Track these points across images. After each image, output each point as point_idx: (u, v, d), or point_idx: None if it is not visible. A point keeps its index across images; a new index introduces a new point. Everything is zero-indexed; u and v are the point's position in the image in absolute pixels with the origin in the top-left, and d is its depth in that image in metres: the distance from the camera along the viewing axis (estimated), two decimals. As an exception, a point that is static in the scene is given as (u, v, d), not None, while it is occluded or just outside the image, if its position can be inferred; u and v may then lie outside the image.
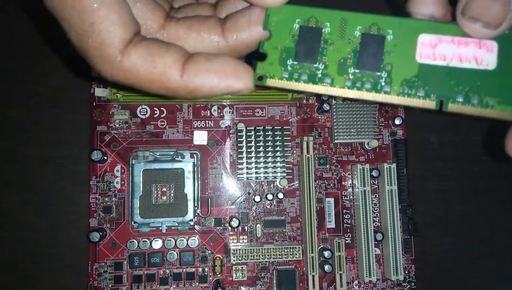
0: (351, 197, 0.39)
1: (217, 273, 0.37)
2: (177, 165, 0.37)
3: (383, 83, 0.15)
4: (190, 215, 0.37)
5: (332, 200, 0.39)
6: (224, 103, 0.39)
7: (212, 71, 0.17)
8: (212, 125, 0.39)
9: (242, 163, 0.38)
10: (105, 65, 0.17)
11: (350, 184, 0.39)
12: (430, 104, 0.15)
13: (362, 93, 0.16)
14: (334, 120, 0.39)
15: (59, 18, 0.17)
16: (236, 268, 0.37)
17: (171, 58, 0.17)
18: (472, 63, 0.15)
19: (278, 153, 0.38)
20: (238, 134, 0.38)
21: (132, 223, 0.37)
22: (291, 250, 0.37)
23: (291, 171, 0.39)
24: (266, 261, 0.38)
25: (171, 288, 0.37)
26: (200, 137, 0.39)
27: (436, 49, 0.15)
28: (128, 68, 0.17)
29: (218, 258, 0.37)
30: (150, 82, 0.18)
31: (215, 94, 0.18)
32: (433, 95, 0.15)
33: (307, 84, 0.16)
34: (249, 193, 0.39)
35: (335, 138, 0.39)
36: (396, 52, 0.15)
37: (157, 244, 0.37)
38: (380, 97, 0.16)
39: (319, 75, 0.16)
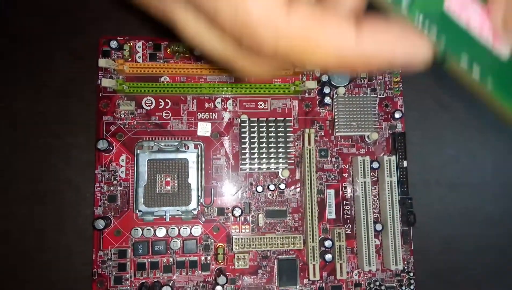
0: (351, 191, 0.40)
1: (220, 262, 0.38)
2: (181, 156, 0.38)
3: (404, 2, 0.14)
4: (193, 204, 0.38)
5: (332, 191, 0.40)
6: (228, 96, 0.40)
7: (393, 33, 0.14)
8: (216, 117, 0.40)
9: (245, 154, 0.38)
10: (269, 33, 0.14)
11: (350, 181, 0.40)
12: (435, 48, 0.15)
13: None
14: (335, 114, 0.40)
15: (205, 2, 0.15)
16: (238, 256, 0.38)
17: (344, 16, 0.14)
18: (489, 42, 0.15)
19: (280, 145, 0.38)
20: (241, 125, 0.39)
21: (137, 212, 0.37)
22: (292, 239, 0.38)
23: (292, 162, 0.39)
24: (267, 250, 0.38)
25: (174, 276, 0.38)
26: (204, 129, 0.39)
27: (464, 8, 0.15)
28: (297, 29, 0.14)
29: (220, 246, 0.38)
30: (321, 47, 0.14)
31: (391, 62, 0.15)
32: (442, 42, 0.14)
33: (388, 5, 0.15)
34: (251, 184, 0.39)
35: (336, 131, 0.40)
36: None
37: (161, 233, 0.37)
38: (394, 9, 0.15)
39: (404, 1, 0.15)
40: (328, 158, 0.40)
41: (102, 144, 0.37)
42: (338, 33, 0.14)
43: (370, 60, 0.15)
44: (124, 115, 0.39)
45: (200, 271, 0.38)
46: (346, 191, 0.40)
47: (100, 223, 0.36)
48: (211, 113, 0.40)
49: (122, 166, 0.38)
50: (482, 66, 0.15)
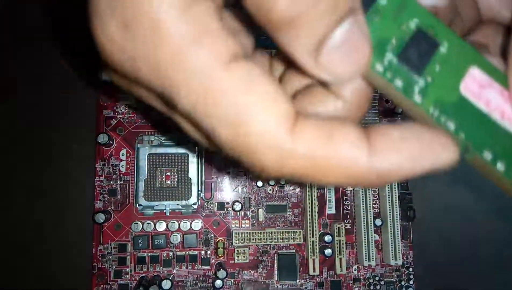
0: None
1: (220, 256, 0.38)
2: (181, 150, 0.38)
3: (416, 90, 0.13)
4: (193, 198, 0.38)
5: (332, 186, 0.40)
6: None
7: (410, 143, 0.13)
8: (216, 112, 0.40)
9: (245, 149, 0.38)
10: (272, 157, 0.13)
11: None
12: (454, 142, 0.13)
13: (388, 86, 0.13)
14: (336, 109, 0.40)
15: (200, 116, 0.13)
16: (238, 251, 0.38)
17: (353, 133, 0.13)
18: None
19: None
20: (242, 120, 0.39)
21: (137, 206, 0.37)
22: (292, 234, 0.38)
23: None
24: (267, 245, 0.38)
25: (174, 270, 0.38)
26: (204, 123, 0.39)
27: (483, 91, 0.13)
28: (304, 153, 0.12)
29: (220, 241, 0.38)
30: (330, 170, 0.13)
31: (412, 176, 0.13)
32: (462, 134, 0.13)
33: (397, 93, 0.13)
34: (251, 178, 0.39)
35: (336, 126, 0.40)
36: (442, 68, 0.13)
37: (161, 227, 0.37)
38: (405, 103, 0.13)
39: (416, 90, 0.13)
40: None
41: (102, 138, 0.37)
42: (349, 154, 0.12)
43: (386, 176, 0.13)
44: (125, 109, 0.39)
45: (200, 265, 0.38)
46: (346, 187, 0.40)
47: (100, 217, 0.36)
48: (211, 108, 0.40)
49: (122, 160, 0.38)
50: (507, 155, 0.13)
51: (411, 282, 0.39)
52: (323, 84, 0.15)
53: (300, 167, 0.13)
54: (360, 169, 0.12)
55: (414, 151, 0.12)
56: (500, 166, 0.13)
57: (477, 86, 0.13)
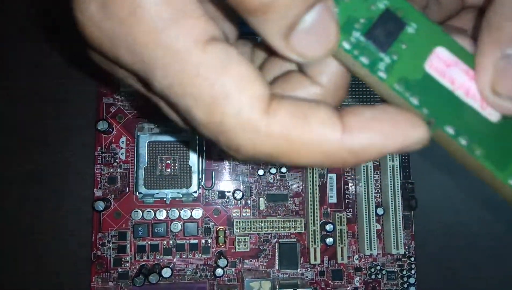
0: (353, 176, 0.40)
1: (220, 244, 0.37)
2: (182, 138, 0.38)
3: (381, 67, 0.14)
4: (194, 187, 0.37)
5: (334, 176, 0.40)
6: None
7: (382, 121, 0.13)
8: (217, 100, 0.39)
9: (246, 137, 0.38)
10: (247, 136, 0.13)
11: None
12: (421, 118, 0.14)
13: (354, 63, 0.14)
14: (338, 97, 0.40)
15: (176, 97, 0.13)
16: (238, 239, 0.37)
17: (327, 112, 0.13)
18: (477, 104, 0.14)
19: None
20: (243, 108, 0.38)
21: (137, 194, 0.37)
22: (293, 223, 0.38)
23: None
24: (268, 233, 0.38)
25: (175, 258, 0.37)
26: (205, 111, 0.39)
27: (448, 69, 0.14)
28: (278, 132, 0.13)
29: (221, 229, 0.38)
30: (304, 149, 0.13)
31: (384, 154, 0.13)
32: (425, 110, 0.13)
33: (363, 69, 0.14)
34: (252, 167, 0.39)
35: (338, 115, 0.39)
36: (409, 47, 0.14)
37: (161, 215, 0.37)
38: (370, 79, 0.14)
39: (381, 67, 0.14)
40: (330, 142, 0.40)
41: (102, 125, 0.37)
42: (323, 133, 0.13)
43: (359, 154, 0.13)
44: (125, 96, 0.38)
45: (200, 254, 0.37)
46: (348, 176, 0.40)
47: (100, 205, 0.36)
48: (212, 96, 0.39)
49: (122, 148, 0.38)
50: (470, 131, 0.13)
51: (413, 271, 0.39)
52: (301, 71, 0.16)
53: (275, 147, 0.13)
54: (334, 147, 0.13)
55: (385, 129, 0.13)
56: (462, 141, 0.13)
57: (443, 65, 0.14)
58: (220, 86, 0.12)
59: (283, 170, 0.39)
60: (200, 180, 0.38)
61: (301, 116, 0.13)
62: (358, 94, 0.40)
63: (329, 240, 0.37)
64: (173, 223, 0.37)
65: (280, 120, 0.13)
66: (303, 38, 0.13)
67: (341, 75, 0.15)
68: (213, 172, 0.38)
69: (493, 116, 0.14)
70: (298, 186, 0.39)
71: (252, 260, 0.38)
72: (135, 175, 0.37)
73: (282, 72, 0.16)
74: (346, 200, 0.39)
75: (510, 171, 0.13)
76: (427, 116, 0.13)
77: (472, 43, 0.15)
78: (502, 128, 0.14)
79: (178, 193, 0.37)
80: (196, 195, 0.37)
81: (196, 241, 0.38)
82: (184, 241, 0.37)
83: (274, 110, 0.13)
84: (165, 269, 0.36)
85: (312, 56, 0.14)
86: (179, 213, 0.37)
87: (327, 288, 0.38)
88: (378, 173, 0.39)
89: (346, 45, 0.14)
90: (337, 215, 0.38)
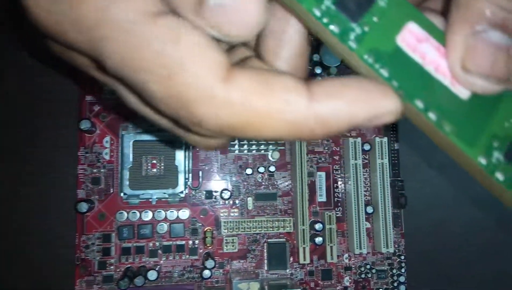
0: (342, 174, 0.39)
1: (208, 245, 0.37)
2: (167, 137, 0.37)
3: (351, 37, 0.13)
4: (180, 187, 0.37)
5: (323, 174, 0.39)
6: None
7: (350, 89, 0.13)
8: (204, 98, 0.38)
9: (233, 135, 0.37)
10: (207, 107, 0.12)
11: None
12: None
13: (324, 30, 0.14)
14: (326, 95, 0.39)
15: (130, 74, 0.13)
16: (226, 240, 0.37)
17: (291, 80, 0.13)
18: (447, 80, 0.14)
19: (270, 126, 0.37)
20: (230, 105, 0.37)
21: (122, 195, 0.36)
22: (282, 222, 0.37)
23: (282, 144, 0.38)
24: (257, 234, 0.37)
25: (161, 260, 0.36)
26: (191, 109, 0.38)
27: (419, 44, 0.14)
28: (239, 101, 0.12)
29: (208, 230, 0.37)
30: (268, 117, 0.12)
31: (355, 123, 0.13)
32: (395, 82, 0.13)
33: (333, 37, 0.14)
34: (240, 166, 0.38)
35: (327, 112, 0.39)
36: (380, 20, 0.14)
37: (146, 216, 0.36)
38: (340, 48, 0.14)
39: (351, 36, 0.14)
40: (319, 141, 0.39)
41: (85, 125, 0.36)
42: (288, 100, 0.12)
43: (328, 124, 0.13)
44: (108, 95, 0.37)
45: (187, 256, 0.37)
46: (337, 174, 0.39)
47: (83, 206, 0.35)
48: (198, 94, 0.38)
49: (106, 147, 0.37)
50: (440, 107, 0.13)
51: (403, 270, 0.38)
52: (259, 56, 0.15)
53: (237, 117, 0.12)
54: (300, 115, 0.12)
55: (354, 97, 0.13)
56: (432, 115, 0.13)
57: (414, 39, 0.14)
58: (173, 56, 0.12)
59: (272, 169, 0.38)
60: (186, 180, 0.37)
61: (263, 83, 0.12)
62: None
63: (319, 240, 0.37)
64: (159, 224, 0.36)
65: (240, 87, 0.12)
66: (218, 14, 0.12)
67: (299, 57, 0.15)
68: (200, 172, 0.38)
69: (463, 93, 0.14)
70: (287, 185, 0.38)
71: (241, 261, 0.37)
72: (119, 176, 0.36)
73: (239, 58, 0.16)
74: (336, 198, 0.39)
75: (479, 148, 0.13)
76: (396, 88, 0.13)
77: (443, 21, 0.15)
78: (471, 105, 0.14)
79: (164, 193, 0.36)
80: (182, 195, 0.37)
81: (183, 242, 0.37)
82: (171, 242, 0.37)
83: (234, 78, 0.12)
84: (151, 271, 0.35)
85: (234, 35, 0.13)
86: (165, 214, 0.36)
87: (317, 288, 0.38)
88: (368, 171, 0.39)
89: (317, 12, 0.13)
90: (327, 214, 0.37)
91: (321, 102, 0.12)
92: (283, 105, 0.12)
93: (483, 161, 0.14)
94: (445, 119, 0.13)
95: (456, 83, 0.14)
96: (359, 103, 0.13)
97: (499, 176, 0.14)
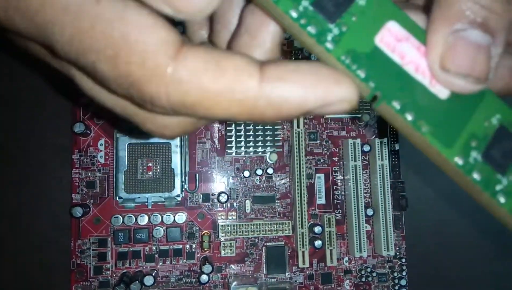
0: (342, 175, 0.38)
1: (205, 249, 0.36)
2: (163, 140, 0.36)
3: (329, 38, 0.13)
4: (177, 190, 0.36)
5: (322, 176, 0.38)
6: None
7: (303, 74, 0.13)
8: (200, 99, 0.38)
9: (231, 137, 0.37)
10: (156, 84, 0.12)
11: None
12: (364, 90, 0.13)
13: (301, 32, 0.13)
14: (325, 95, 0.38)
15: (79, 56, 0.13)
16: (224, 244, 0.36)
17: (243, 60, 0.13)
18: (426, 80, 0.13)
19: (267, 127, 0.37)
20: (227, 107, 0.37)
21: (117, 199, 0.35)
22: (281, 226, 0.36)
23: (280, 146, 0.38)
24: (255, 237, 0.37)
25: (158, 265, 0.36)
26: (188, 111, 0.37)
27: (398, 44, 0.13)
28: (188, 78, 0.12)
29: (206, 234, 0.36)
30: (218, 96, 0.12)
31: (306, 108, 0.13)
32: (371, 83, 0.13)
33: (310, 39, 0.13)
34: (237, 169, 0.38)
35: (326, 113, 0.38)
36: (359, 19, 0.13)
37: (142, 220, 0.36)
38: (317, 49, 0.13)
39: (328, 37, 0.13)
40: (318, 141, 0.39)
41: (79, 128, 0.35)
42: (238, 80, 0.12)
43: (277, 107, 0.13)
44: (103, 97, 0.37)
45: (184, 260, 0.36)
46: (337, 176, 0.38)
47: (78, 211, 0.34)
48: (195, 95, 0.38)
49: (101, 150, 0.36)
50: (417, 107, 0.13)
51: (404, 273, 0.38)
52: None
53: (187, 96, 0.12)
54: (251, 96, 0.12)
55: (306, 82, 0.13)
56: (408, 116, 0.13)
57: (393, 39, 0.13)
58: (117, 35, 0.12)
59: (270, 171, 0.37)
60: (183, 183, 0.36)
61: (214, 62, 0.12)
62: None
63: (318, 243, 0.36)
64: (156, 228, 0.36)
65: (189, 65, 0.12)
66: None
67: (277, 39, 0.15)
68: (197, 175, 0.37)
69: (442, 93, 0.13)
70: (285, 185, 0.38)
71: (239, 265, 0.37)
72: (114, 179, 0.36)
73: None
74: (335, 200, 0.38)
75: (456, 149, 0.13)
76: (373, 89, 0.13)
77: (425, 19, 0.14)
78: (450, 105, 0.13)
79: (160, 197, 0.36)
80: (179, 198, 0.36)
81: (180, 246, 0.36)
82: (168, 246, 0.36)
83: (184, 55, 0.12)
84: (147, 276, 0.34)
85: (185, 11, 0.12)
86: (162, 217, 0.36)
87: (317, 292, 0.37)
88: (367, 172, 0.38)
89: (294, 14, 0.13)
90: (326, 216, 0.37)
91: (272, 84, 0.12)
92: (233, 84, 0.12)
93: (459, 161, 0.13)
94: (422, 120, 0.13)
95: (435, 83, 0.13)
96: (309, 88, 0.12)
97: (476, 176, 0.14)
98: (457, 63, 0.13)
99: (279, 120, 0.13)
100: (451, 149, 0.13)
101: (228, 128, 0.37)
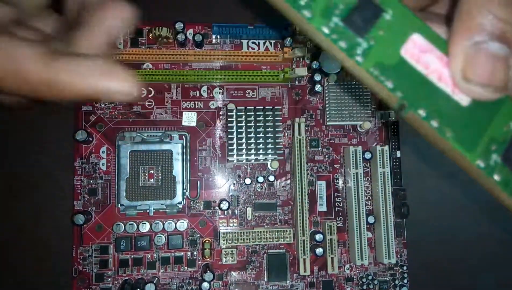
0: (343, 183, 0.38)
1: (206, 257, 0.36)
2: (165, 147, 0.36)
3: (358, 52, 0.14)
4: (178, 197, 0.36)
5: (323, 183, 0.38)
6: (214, 84, 0.38)
7: (84, 65, 0.15)
8: (202, 106, 0.38)
9: (232, 145, 0.37)
10: None
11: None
12: (391, 99, 0.14)
13: (333, 47, 0.14)
14: (326, 102, 0.38)
15: None
16: (225, 251, 0.36)
17: (33, 47, 0.15)
18: (448, 89, 0.14)
19: (269, 135, 0.37)
20: (228, 114, 0.37)
21: (119, 206, 0.35)
22: (282, 233, 0.36)
23: (282, 153, 0.38)
24: (256, 245, 0.37)
25: (159, 272, 0.36)
26: (189, 118, 0.38)
27: (422, 55, 0.14)
28: None
29: (207, 241, 0.36)
30: (7, 73, 0.15)
31: (86, 93, 0.15)
32: (399, 93, 0.14)
33: (341, 53, 0.14)
34: (239, 176, 0.38)
35: (327, 120, 0.38)
36: (385, 33, 0.14)
37: (144, 227, 0.36)
38: (348, 62, 0.14)
39: (358, 51, 0.14)
40: (319, 149, 0.39)
41: (81, 135, 0.35)
42: (21, 53, 0.14)
43: (60, 86, 0.15)
44: (105, 104, 0.37)
45: (186, 267, 0.36)
46: (338, 183, 0.38)
47: (80, 218, 0.34)
48: (196, 102, 0.38)
49: (102, 158, 0.36)
50: (441, 114, 0.14)
51: (406, 281, 0.38)
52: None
53: None
54: (34, 76, 0.14)
55: (87, 72, 0.15)
56: (434, 123, 0.14)
57: (418, 51, 0.14)
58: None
59: (271, 178, 0.37)
60: (184, 191, 0.36)
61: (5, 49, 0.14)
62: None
63: (319, 251, 0.36)
64: (157, 235, 0.36)
65: None
66: None
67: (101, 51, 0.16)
68: (198, 182, 0.37)
69: (463, 100, 0.14)
70: (286, 192, 0.38)
71: (240, 272, 0.37)
72: (116, 187, 0.36)
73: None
74: (336, 208, 0.38)
75: (478, 152, 0.14)
76: (400, 98, 0.14)
77: (447, 30, 0.15)
78: (471, 111, 0.14)
79: (162, 204, 0.36)
80: (180, 206, 0.36)
81: (181, 254, 0.36)
82: (169, 254, 0.36)
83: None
84: (148, 284, 0.34)
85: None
86: (163, 225, 0.36)
87: (318, 300, 0.37)
88: (369, 179, 0.38)
89: (326, 30, 0.14)
90: (327, 224, 0.37)
91: (60, 66, 0.15)
92: (15, 66, 0.14)
93: (481, 163, 0.14)
94: (447, 126, 0.14)
95: (457, 91, 0.14)
96: (84, 78, 0.15)
97: (496, 177, 0.14)
98: (477, 73, 0.14)
99: (64, 99, 0.15)
100: (473, 152, 0.14)
101: (229, 135, 0.37)
